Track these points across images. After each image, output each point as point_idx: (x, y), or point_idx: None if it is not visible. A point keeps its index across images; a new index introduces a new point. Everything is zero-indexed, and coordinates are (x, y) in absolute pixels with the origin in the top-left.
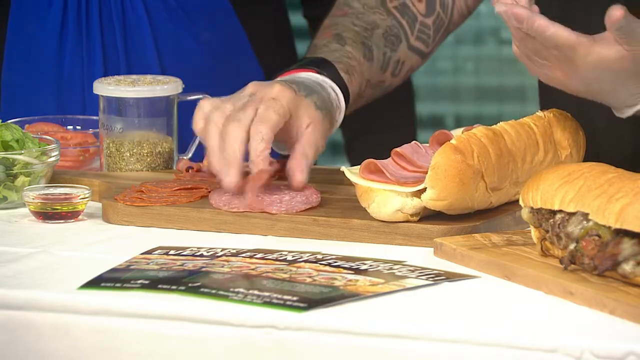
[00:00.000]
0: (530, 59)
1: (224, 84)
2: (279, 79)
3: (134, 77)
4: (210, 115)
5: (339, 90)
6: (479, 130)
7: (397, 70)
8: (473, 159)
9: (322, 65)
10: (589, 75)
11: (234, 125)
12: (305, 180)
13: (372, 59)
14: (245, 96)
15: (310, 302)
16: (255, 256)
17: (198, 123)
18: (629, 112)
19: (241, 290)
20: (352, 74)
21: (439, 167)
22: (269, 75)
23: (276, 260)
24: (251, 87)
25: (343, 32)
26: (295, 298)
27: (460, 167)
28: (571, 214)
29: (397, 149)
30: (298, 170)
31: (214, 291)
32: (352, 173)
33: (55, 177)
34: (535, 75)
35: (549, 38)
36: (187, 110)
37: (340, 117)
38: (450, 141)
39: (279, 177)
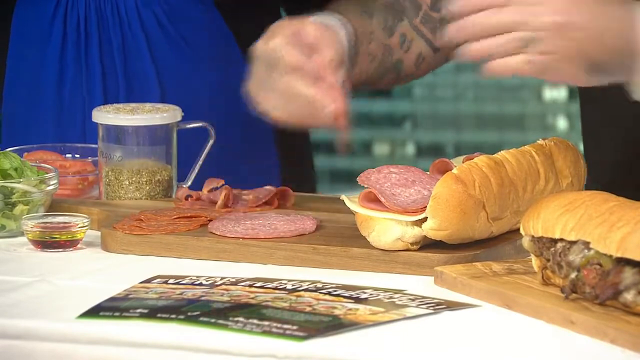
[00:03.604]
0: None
1: (226, 112)
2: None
3: (133, 105)
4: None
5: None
6: (480, 159)
7: (404, 44)
8: (475, 189)
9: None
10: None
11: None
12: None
13: (371, 16)
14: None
15: (310, 331)
16: (255, 285)
17: None
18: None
19: (240, 319)
20: (349, 20)
21: (440, 197)
22: None
23: (276, 289)
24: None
25: (339, 1)
26: (295, 327)
27: (461, 198)
28: (572, 243)
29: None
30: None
31: (213, 320)
32: (351, 201)
33: (54, 206)
34: (556, 78)
35: None
36: (186, 138)
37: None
38: (452, 171)
39: (278, 206)
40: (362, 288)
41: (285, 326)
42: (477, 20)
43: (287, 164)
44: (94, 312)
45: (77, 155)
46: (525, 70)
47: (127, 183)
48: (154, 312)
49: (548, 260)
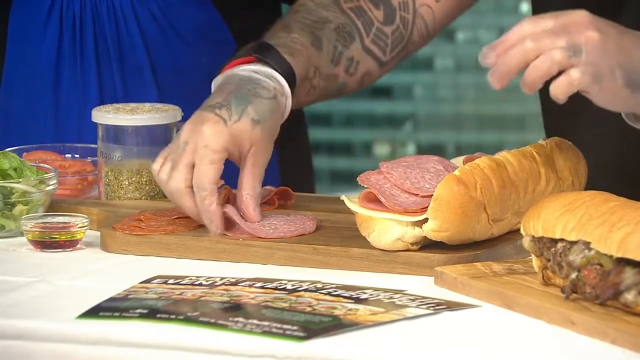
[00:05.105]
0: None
1: None
2: (219, 76)
3: (133, 105)
4: (159, 177)
5: (280, 76)
6: (482, 160)
7: (351, 68)
8: (476, 191)
9: (264, 50)
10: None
11: (174, 186)
12: (259, 214)
13: (320, 47)
14: (180, 146)
15: (310, 331)
16: (255, 285)
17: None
18: None
19: (240, 319)
20: (296, 57)
21: (441, 199)
22: None
23: (276, 289)
24: (184, 133)
25: (291, 23)
26: (294, 327)
27: (463, 200)
28: (573, 243)
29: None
30: (250, 207)
31: (212, 320)
32: (351, 202)
33: (54, 206)
34: (602, 96)
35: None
36: None
37: (288, 103)
38: (454, 172)
39: (278, 206)
40: (362, 288)
41: (285, 326)
42: (513, 54)
43: (285, 164)
44: (94, 312)
45: (76, 155)
46: (584, 80)
47: (127, 183)
48: (153, 313)
49: (548, 260)
